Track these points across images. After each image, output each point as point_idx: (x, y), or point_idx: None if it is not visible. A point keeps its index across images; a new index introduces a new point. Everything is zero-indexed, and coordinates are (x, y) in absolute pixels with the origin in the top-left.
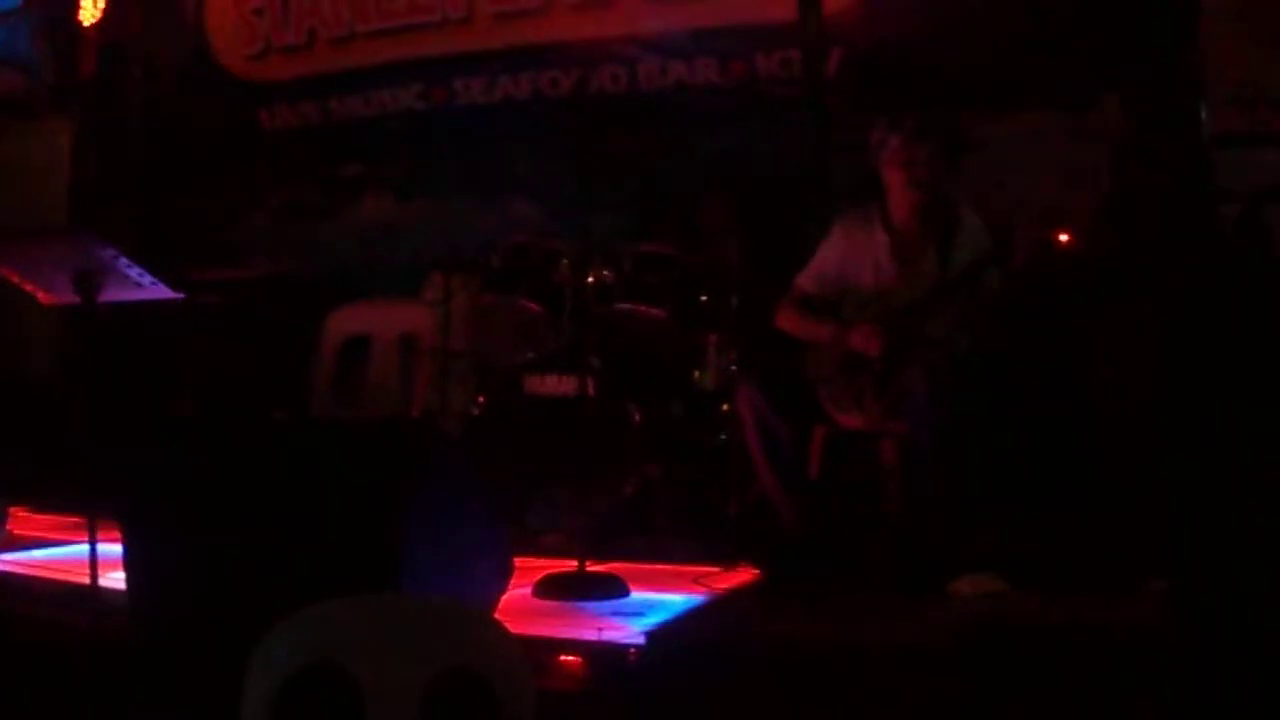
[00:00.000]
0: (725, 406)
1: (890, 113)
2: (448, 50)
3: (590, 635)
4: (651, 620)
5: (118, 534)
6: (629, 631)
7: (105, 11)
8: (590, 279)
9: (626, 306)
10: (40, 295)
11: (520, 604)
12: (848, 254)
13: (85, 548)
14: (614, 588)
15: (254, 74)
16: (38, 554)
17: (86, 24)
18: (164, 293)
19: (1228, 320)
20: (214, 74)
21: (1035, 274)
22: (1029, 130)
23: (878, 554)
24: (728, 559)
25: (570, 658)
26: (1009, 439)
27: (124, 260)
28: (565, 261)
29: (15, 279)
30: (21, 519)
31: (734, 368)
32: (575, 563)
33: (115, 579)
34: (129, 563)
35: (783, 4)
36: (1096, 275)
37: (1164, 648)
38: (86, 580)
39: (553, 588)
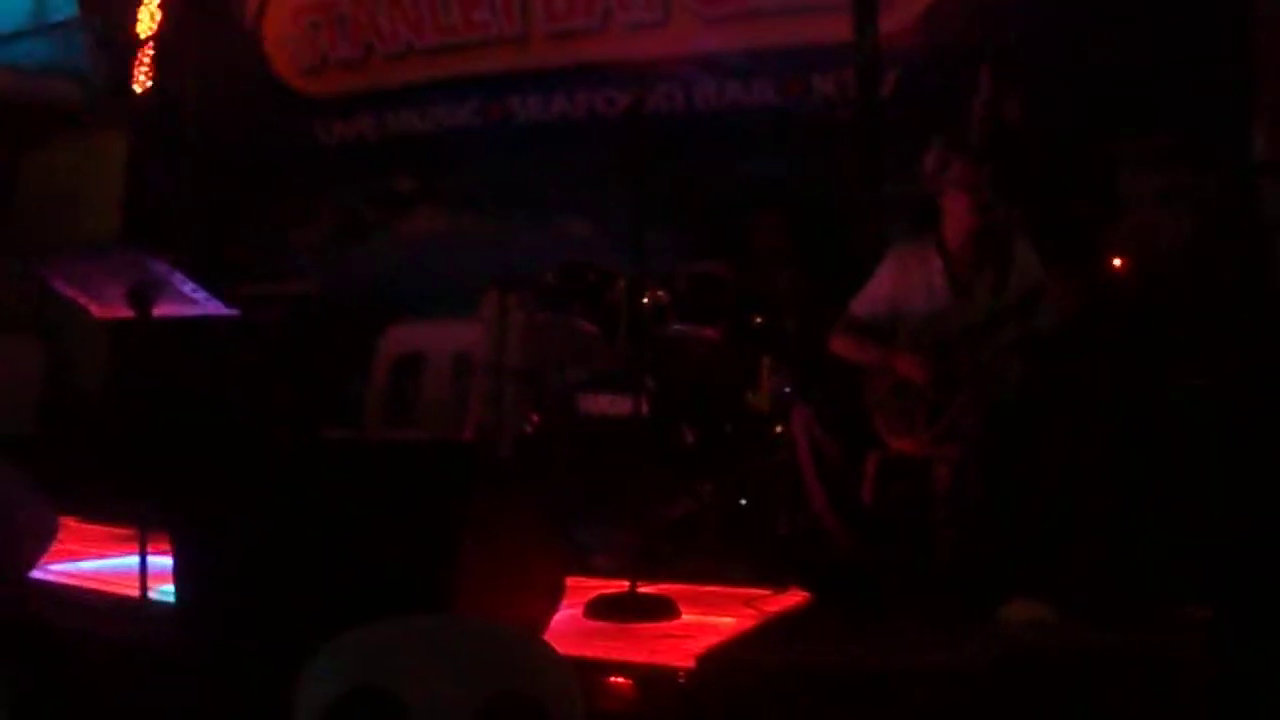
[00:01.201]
0: (778, 428)
1: (949, 134)
2: (503, 67)
3: (641, 658)
4: (702, 644)
5: (167, 547)
6: (679, 654)
7: (161, 23)
8: (645, 299)
9: (681, 327)
10: (93, 308)
11: (571, 624)
12: (901, 280)
13: (135, 560)
14: (665, 610)
15: (310, 88)
16: (88, 565)
17: (142, 35)
18: (218, 309)
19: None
20: (270, 87)
21: (1090, 303)
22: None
23: (928, 579)
24: (778, 581)
25: (620, 680)
26: (1063, 468)
27: (179, 276)
28: (620, 282)
29: (69, 292)
30: (72, 530)
31: (788, 390)
32: (626, 584)
33: (164, 592)
34: (178, 576)
35: (839, 25)
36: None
37: (1206, 676)
38: (136, 593)
39: (604, 609)
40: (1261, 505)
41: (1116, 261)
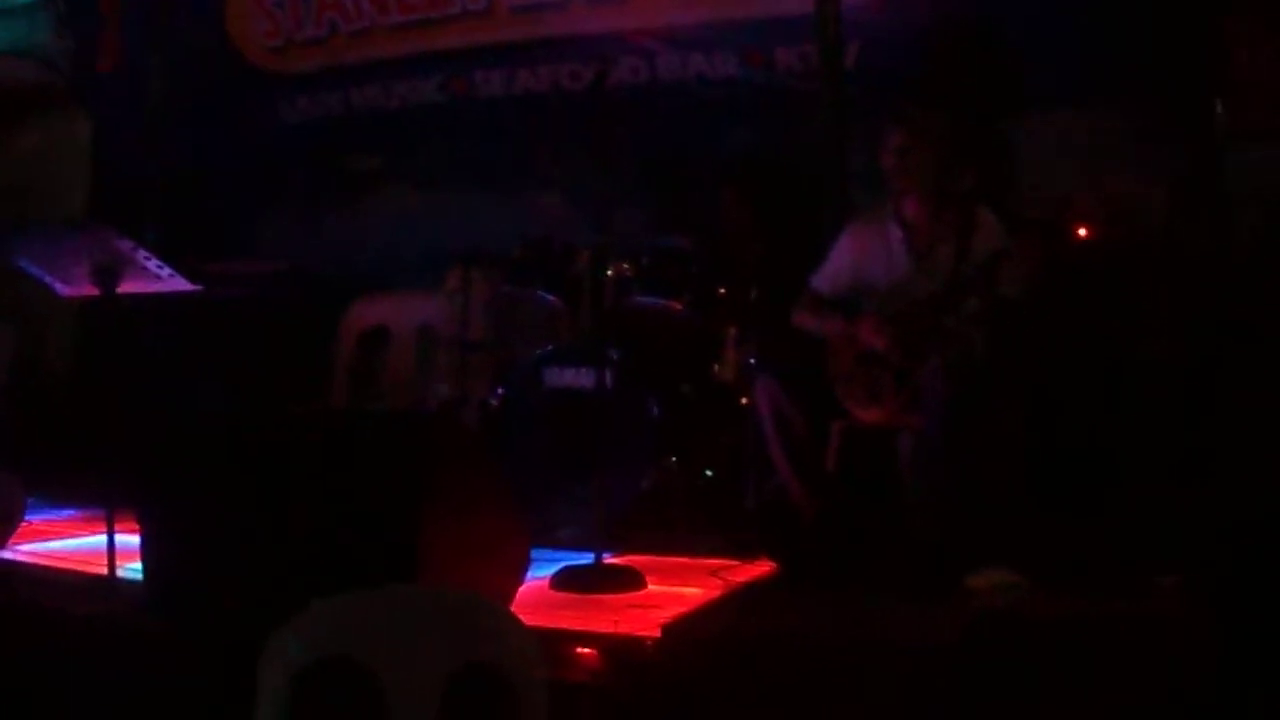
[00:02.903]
0: (743, 400)
1: (893, 108)
2: (467, 43)
3: (607, 628)
4: (668, 613)
5: (135, 525)
6: (645, 624)
7: (125, 4)
8: (609, 272)
9: (645, 300)
10: (59, 287)
11: (538, 596)
12: (860, 253)
13: (103, 539)
14: (631, 581)
15: (274, 65)
16: (56, 545)
17: (107, 16)
18: (182, 285)
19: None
20: (234, 65)
21: (1054, 270)
22: (1051, 127)
23: (895, 548)
24: (745, 552)
25: (586, 650)
26: (1028, 435)
27: (143, 253)
28: (584, 254)
29: (35, 271)
30: (40, 510)
31: (752, 361)
32: (593, 555)
33: (133, 570)
34: (146, 553)
35: None
36: (1115, 272)
37: (1182, 640)
38: (104, 571)
39: (570, 580)
40: (1229, 473)
41: (1082, 231)
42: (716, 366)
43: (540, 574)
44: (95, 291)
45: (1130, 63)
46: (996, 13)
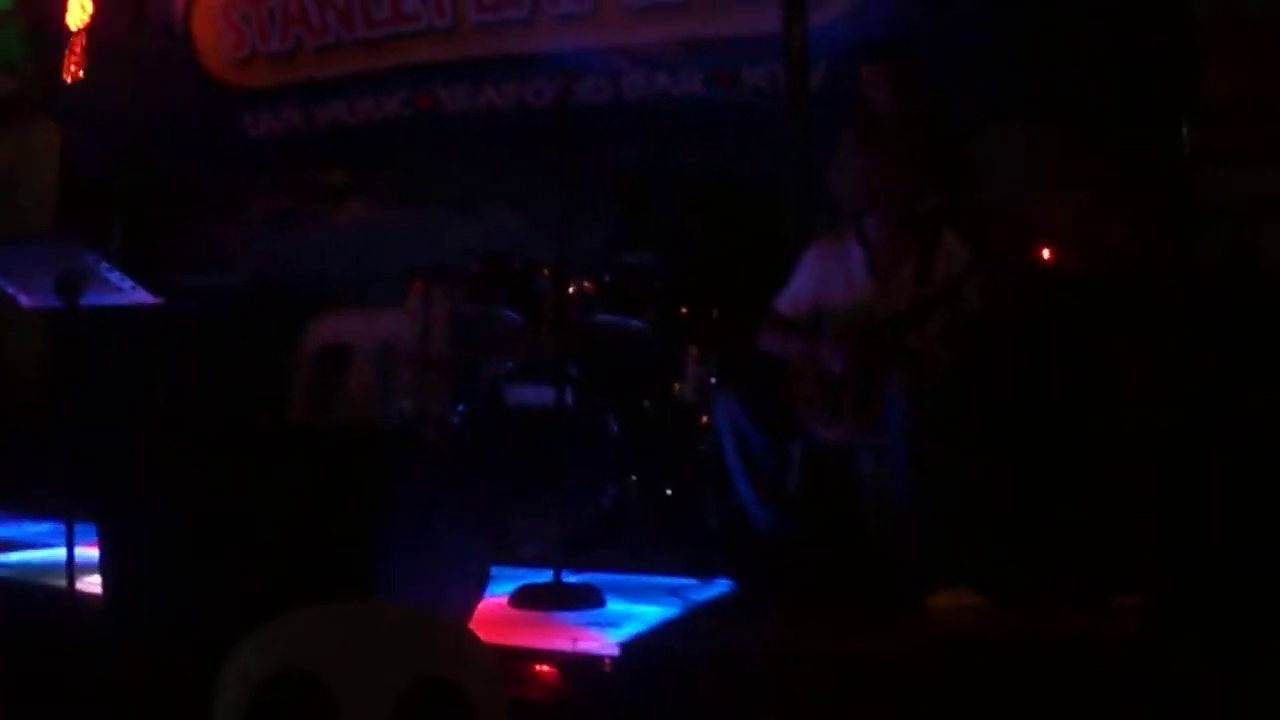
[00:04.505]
0: (704, 418)
1: (857, 127)
2: (433, 58)
3: (565, 645)
4: (627, 631)
5: (95, 539)
6: (604, 642)
7: (93, 15)
8: (571, 289)
9: (607, 317)
10: (21, 298)
11: (497, 613)
12: (822, 274)
13: (63, 552)
14: (590, 598)
15: (238, 79)
16: (14, 558)
17: (74, 27)
18: (144, 298)
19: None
20: (198, 79)
21: (1018, 289)
22: (1019, 144)
23: (855, 567)
24: (705, 571)
25: (545, 668)
26: (990, 455)
27: (105, 265)
28: (546, 271)
29: None
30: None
31: (713, 380)
32: (552, 573)
33: (92, 582)
34: (105, 567)
35: (768, 17)
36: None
37: (1140, 658)
38: (64, 583)
39: (529, 597)
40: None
41: (1045, 253)
42: (678, 385)
43: (500, 591)
44: (57, 303)
45: (1097, 80)
46: (960, 29)
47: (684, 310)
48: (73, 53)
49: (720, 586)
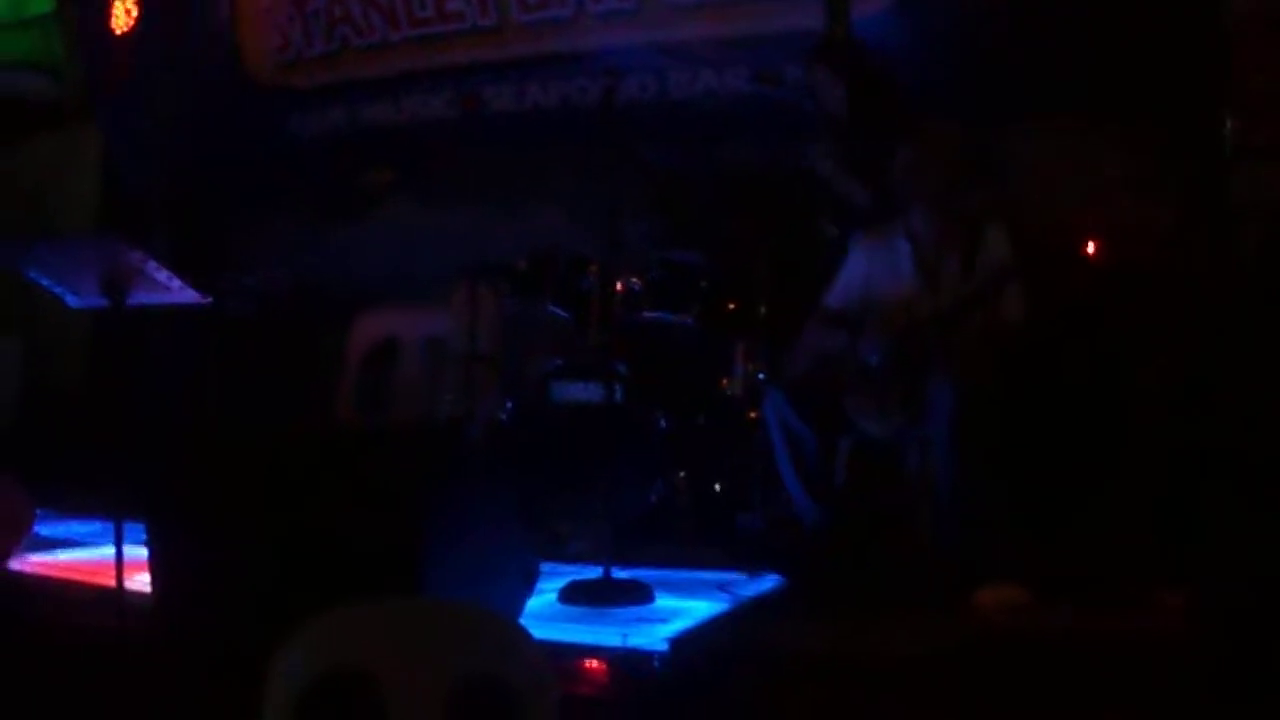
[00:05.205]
0: (752, 414)
1: (906, 124)
2: (478, 58)
3: (614, 641)
4: (675, 627)
5: (144, 538)
6: (653, 638)
7: (137, 19)
8: (618, 286)
9: (654, 314)
10: (69, 298)
11: (546, 609)
12: (871, 268)
13: (111, 550)
14: (639, 594)
15: (283, 81)
16: (65, 556)
17: (118, 31)
18: (191, 297)
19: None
20: (243, 81)
21: (1060, 288)
22: (1056, 142)
23: (902, 563)
24: (752, 566)
25: (594, 663)
26: (1033, 452)
27: (152, 264)
28: (593, 268)
29: (45, 282)
30: (50, 521)
31: (761, 376)
32: (601, 569)
33: (141, 581)
34: (154, 566)
35: (812, 13)
36: (1122, 289)
37: (1184, 657)
38: (112, 583)
39: (578, 594)
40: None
41: (1086, 250)
42: (725, 381)
43: (549, 587)
44: (105, 303)
45: (1139, 79)
46: (1005, 27)
47: (731, 306)
48: (117, 54)
49: (769, 582)
